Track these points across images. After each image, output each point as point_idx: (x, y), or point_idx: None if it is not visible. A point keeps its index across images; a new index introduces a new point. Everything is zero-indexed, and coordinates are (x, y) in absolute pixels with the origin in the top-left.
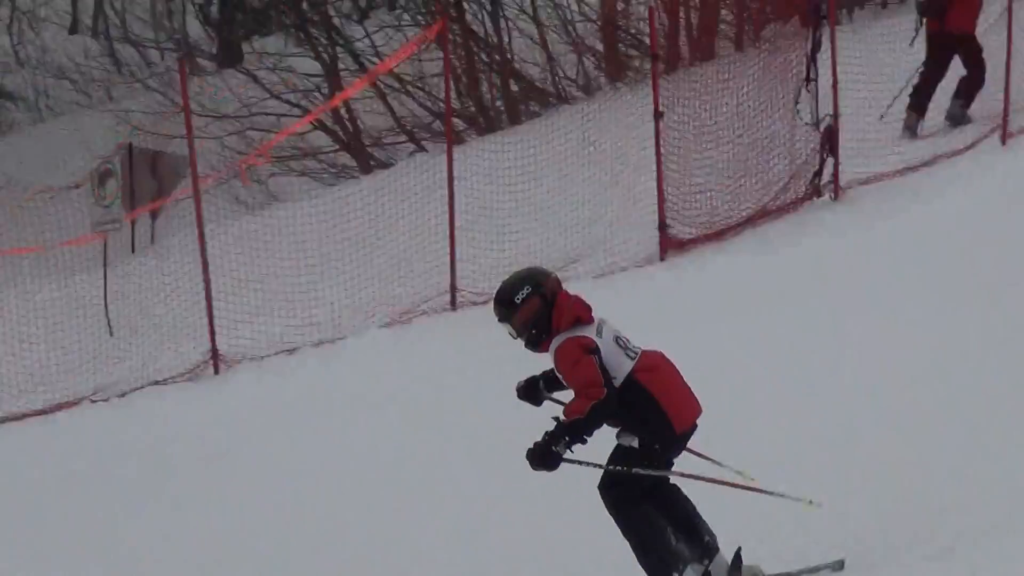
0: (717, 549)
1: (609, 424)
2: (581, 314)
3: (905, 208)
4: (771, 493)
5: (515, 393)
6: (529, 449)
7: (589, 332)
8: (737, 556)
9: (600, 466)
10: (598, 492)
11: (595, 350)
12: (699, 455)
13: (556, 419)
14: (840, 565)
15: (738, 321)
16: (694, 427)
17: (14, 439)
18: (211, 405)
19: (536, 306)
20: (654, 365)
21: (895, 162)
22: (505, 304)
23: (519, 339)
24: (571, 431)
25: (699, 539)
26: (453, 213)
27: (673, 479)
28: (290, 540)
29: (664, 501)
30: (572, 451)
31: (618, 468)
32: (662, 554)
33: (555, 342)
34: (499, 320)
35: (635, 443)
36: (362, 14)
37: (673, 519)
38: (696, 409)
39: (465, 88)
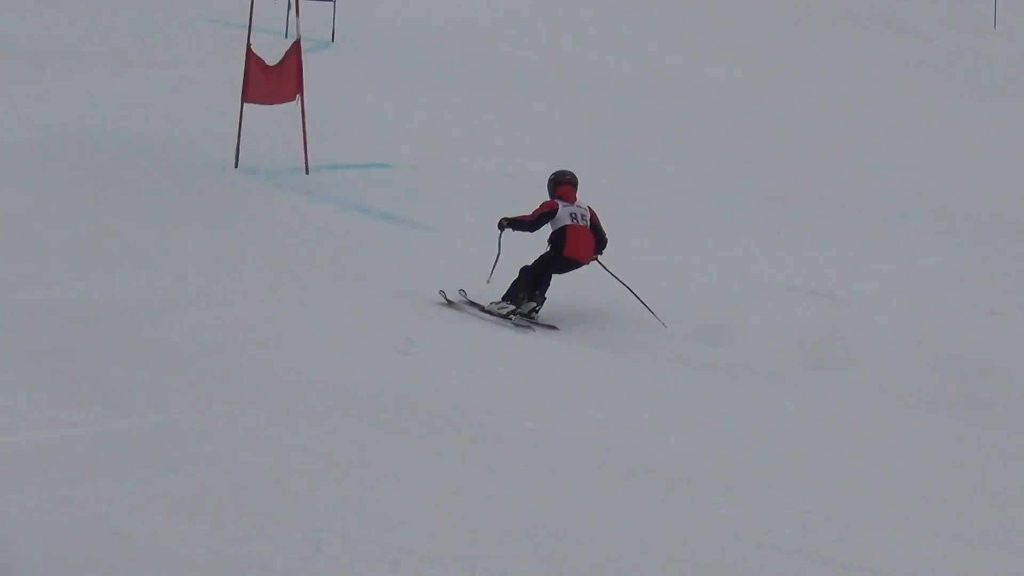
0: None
1: (545, 237)
2: (565, 197)
3: None
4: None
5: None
6: (500, 220)
7: (561, 204)
8: (533, 309)
9: (498, 252)
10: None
11: (553, 210)
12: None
13: (505, 218)
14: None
15: None
16: (577, 265)
17: None
18: None
19: (551, 184)
20: (577, 229)
21: None
22: (549, 178)
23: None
24: (512, 224)
25: (540, 296)
26: None
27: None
28: None
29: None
30: (503, 234)
31: (527, 265)
32: (524, 287)
33: (548, 198)
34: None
35: (550, 251)
36: None
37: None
38: (584, 257)
39: None
